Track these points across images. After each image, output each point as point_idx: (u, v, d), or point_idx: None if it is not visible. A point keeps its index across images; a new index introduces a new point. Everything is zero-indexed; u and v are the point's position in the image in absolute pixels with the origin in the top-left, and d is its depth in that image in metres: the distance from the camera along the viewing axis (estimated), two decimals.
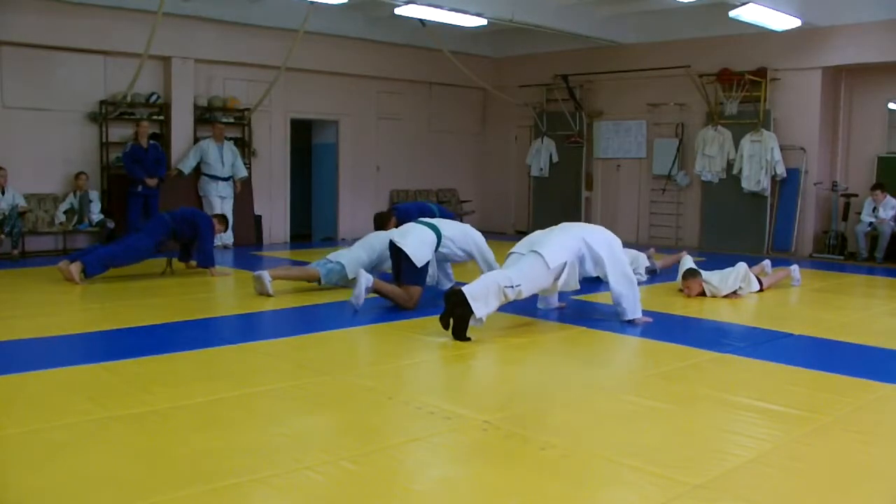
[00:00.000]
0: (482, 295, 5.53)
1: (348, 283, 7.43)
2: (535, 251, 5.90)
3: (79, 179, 10.51)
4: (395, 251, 6.80)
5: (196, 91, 11.75)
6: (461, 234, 7.25)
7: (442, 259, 7.64)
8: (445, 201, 14.60)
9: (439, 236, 7.00)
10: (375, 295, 6.78)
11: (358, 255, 7.71)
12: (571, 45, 13.51)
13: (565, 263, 5.94)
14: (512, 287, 5.67)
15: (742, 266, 7.80)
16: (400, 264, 6.78)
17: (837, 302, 7.92)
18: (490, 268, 7.20)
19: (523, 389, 4.59)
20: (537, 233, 6.28)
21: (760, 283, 7.86)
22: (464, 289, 5.53)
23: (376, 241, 7.86)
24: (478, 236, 7.36)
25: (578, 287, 6.21)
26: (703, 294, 7.61)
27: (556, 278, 5.97)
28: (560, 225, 6.40)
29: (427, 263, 6.89)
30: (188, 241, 8.55)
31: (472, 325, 5.53)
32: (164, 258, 8.73)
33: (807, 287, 8.41)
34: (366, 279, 6.53)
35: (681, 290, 7.85)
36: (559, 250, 5.93)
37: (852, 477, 3.26)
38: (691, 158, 12.82)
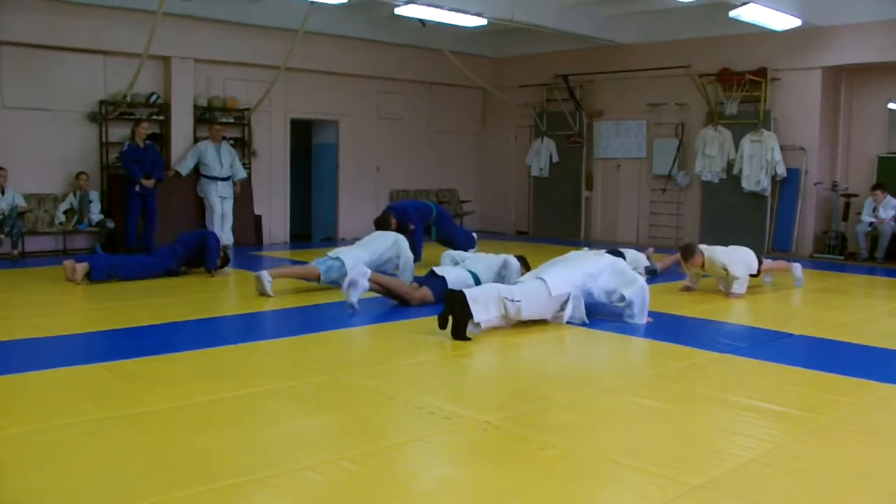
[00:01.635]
0: (482, 299, 5.57)
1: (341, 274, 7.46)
2: (540, 278, 6.01)
3: (79, 179, 10.51)
4: (432, 275, 6.99)
5: (196, 91, 11.75)
6: (494, 273, 7.21)
7: None
8: (445, 201, 14.61)
9: (478, 282, 7.04)
10: (375, 294, 6.80)
11: (359, 254, 7.71)
12: (571, 45, 13.51)
13: (569, 295, 6.03)
14: (512, 301, 5.73)
15: (749, 257, 7.77)
16: (431, 281, 6.93)
17: (837, 302, 7.92)
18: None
19: (523, 389, 4.59)
20: (543, 264, 6.38)
21: (760, 261, 7.85)
22: (465, 290, 5.55)
23: (379, 243, 7.87)
24: (509, 264, 7.30)
25: (587, 322, 6.19)
26: (702, 267, 7.61)
27: (561, 309, 6.06)
28: (569, 254, 6.53)
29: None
30: (195, 258, 8.59)
31: (470, 331, 5.55)
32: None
33: (807, 287, 8.40)
34: (363, 287, 6.53)
35: (685, 289, 7.86)
36: (563, 281, 6.04)
37: (852, 477, 3.26)
38: (691, 158, 12.82)
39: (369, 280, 6.61)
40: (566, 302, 6.05)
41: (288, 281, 7.77)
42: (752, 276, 7.73)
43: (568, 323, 6.09)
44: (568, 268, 6.23)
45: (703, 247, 7.73)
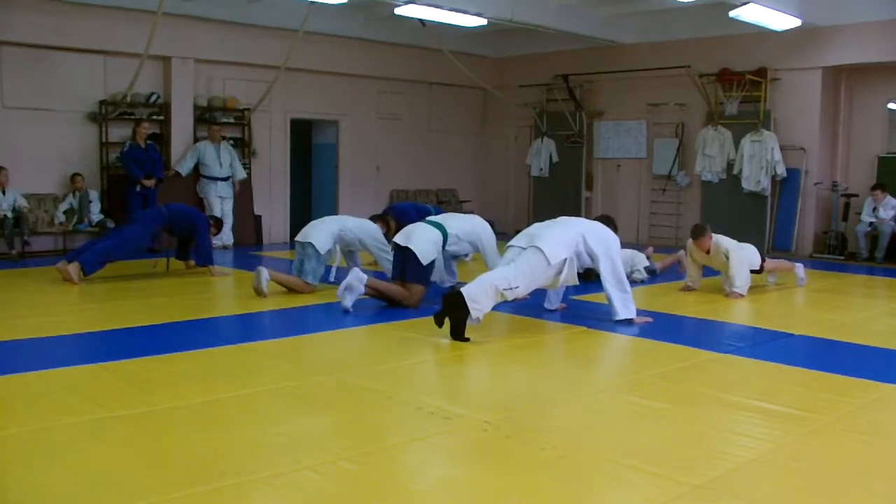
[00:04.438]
0: (481, 297, 5.53)
1: (320, 260, 7.47)
2: (536, 246, 5.84)
3: (74, 182, 10.49)
4: (401, 251, 6.81)
5: (196, 91, 11.76)
6: (469, 227, 7.28)
7: (450, 256, 7.64)
8: (445, 201, 14.61)
9: (445, 235, 7.01)
10: (368, 296, 6.78)
11: (328, 227, 7.61)
12: (571, 45, 13.51)
13: (566, 260, 5.92)
14: (510, 289, 5.66)
15: (754, 256, 7.78)
16: (405, 263, 6.78)
17: (837, 302, 7.92)
18: (493, 264, 7.20)
19: (523, 389, 4.59)
20: (536, 225, 6.23)
21: (763, 259, 7.85)
22: (462, 290, 5.53)
23: (350, 222, 7.80)
24: (485, 229, 7.36)
25: (577, 283, 6.19)
26: (707, 253, 7.61)
27: (558, 273, 5.94)
28: (559, 218, 6.37)
29: (433, 262, 6.89)
30: (185, 239, 8.55)
31: (470, 325, 5.53)
32: (161, 258, 8.73)
33: (807, 287, 8.40)
34: (358, 291, 6.50)
35: (685, 289, 7.86)
36: (560, 246, 5.89)
37: (852, 477, 3.26)
38: (691, 158, 12.82)
39: (366, 286, 6.59)
40: (563, 266, 5.92)
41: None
42: (754, 271, 7.72)
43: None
44: (562, 229, 6.08)
45: (717, 238, 7.72)
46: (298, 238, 7.59)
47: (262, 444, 3.49)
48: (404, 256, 6.78)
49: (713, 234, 7.67)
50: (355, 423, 3.84)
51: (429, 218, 7.40)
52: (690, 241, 7.83)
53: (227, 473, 3.11)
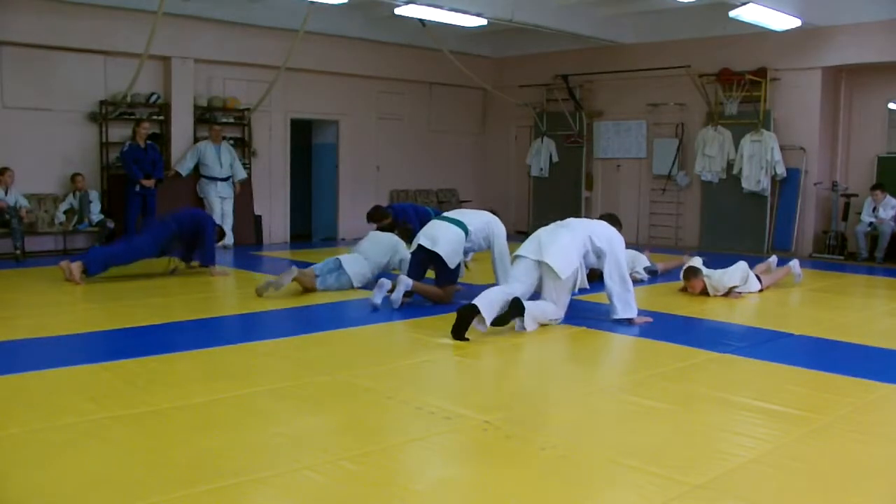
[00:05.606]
0: (533, 316, 5.85)
1: (342, 286, 7.55)
2: (545, 262, 5.94)
3: (75, 181, 10.49)
4: (425, 253, 6.90)
5: (196, 91, 11.76)
6: (482, 223, 7.28)
7: (465, 251, 7.70)
8: (445, 201, 14.60)
9: (466, 231, 7.05)
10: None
11: (361, 269, 7.69)
12: (571, 45, 13.51)
13: (577, 269, 6.08)
14: (557, 320, 6.06)
15: (743, 264, 7.82)
16: (429, 265, 6.99)
17: (837, 302, 7.92)
18: (502, 262, 7.17)
19: (523, 389, 4.59)
20: (544, 231, 6.23)
21: (760, 280, 7.87)
22: (527, 306, 5.77)
23: (378, 252, 7.81)
24: (497, 223, 7.37)
25: (588, 286, 6.27)
26: (705, 291, 7.63)
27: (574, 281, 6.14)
28: (566, 221, 6.39)
29: (459, 262, 7.11)
30: (190, 241, 8.56)
31: (475, 328, 5.55)
32: (167, 258, 8.74)
33: (807, 287, 8.41)
34: (405, 284, 6.65)
35: (683, 290, 7.86)
36: (569, 257, 6.01)
37: (852, 477, 3.26)
38: (691, 158, 12.82)
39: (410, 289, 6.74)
40: (576, 274, 6.09)
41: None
42: (758, 291, 7.76)
43: (580, 291, 6.32)
44: (569, 236, 6.12)
45: (706, 272, 7.73)
46: (358, 248, 7.96)
47: (262, 444, 3.49)
48: (429, 259, 6.92)
49: (707, 276, 7.68)
50: (355, 423, 3.84)
51: (446, 214, 7.39)
52: (683, 278, 7.90)
53: (227, 473, 3.11)
